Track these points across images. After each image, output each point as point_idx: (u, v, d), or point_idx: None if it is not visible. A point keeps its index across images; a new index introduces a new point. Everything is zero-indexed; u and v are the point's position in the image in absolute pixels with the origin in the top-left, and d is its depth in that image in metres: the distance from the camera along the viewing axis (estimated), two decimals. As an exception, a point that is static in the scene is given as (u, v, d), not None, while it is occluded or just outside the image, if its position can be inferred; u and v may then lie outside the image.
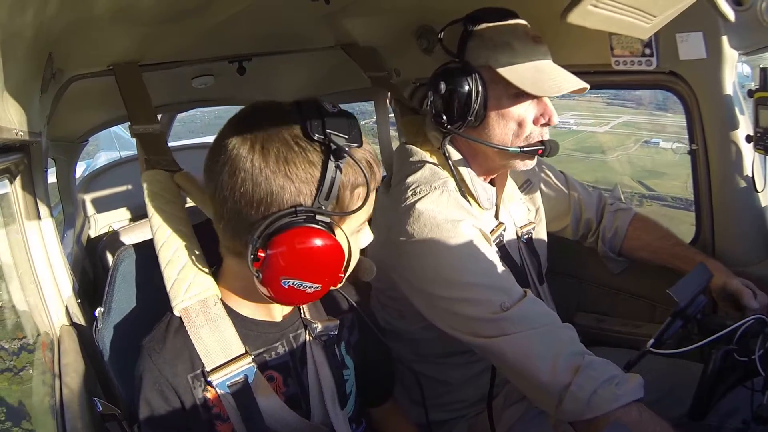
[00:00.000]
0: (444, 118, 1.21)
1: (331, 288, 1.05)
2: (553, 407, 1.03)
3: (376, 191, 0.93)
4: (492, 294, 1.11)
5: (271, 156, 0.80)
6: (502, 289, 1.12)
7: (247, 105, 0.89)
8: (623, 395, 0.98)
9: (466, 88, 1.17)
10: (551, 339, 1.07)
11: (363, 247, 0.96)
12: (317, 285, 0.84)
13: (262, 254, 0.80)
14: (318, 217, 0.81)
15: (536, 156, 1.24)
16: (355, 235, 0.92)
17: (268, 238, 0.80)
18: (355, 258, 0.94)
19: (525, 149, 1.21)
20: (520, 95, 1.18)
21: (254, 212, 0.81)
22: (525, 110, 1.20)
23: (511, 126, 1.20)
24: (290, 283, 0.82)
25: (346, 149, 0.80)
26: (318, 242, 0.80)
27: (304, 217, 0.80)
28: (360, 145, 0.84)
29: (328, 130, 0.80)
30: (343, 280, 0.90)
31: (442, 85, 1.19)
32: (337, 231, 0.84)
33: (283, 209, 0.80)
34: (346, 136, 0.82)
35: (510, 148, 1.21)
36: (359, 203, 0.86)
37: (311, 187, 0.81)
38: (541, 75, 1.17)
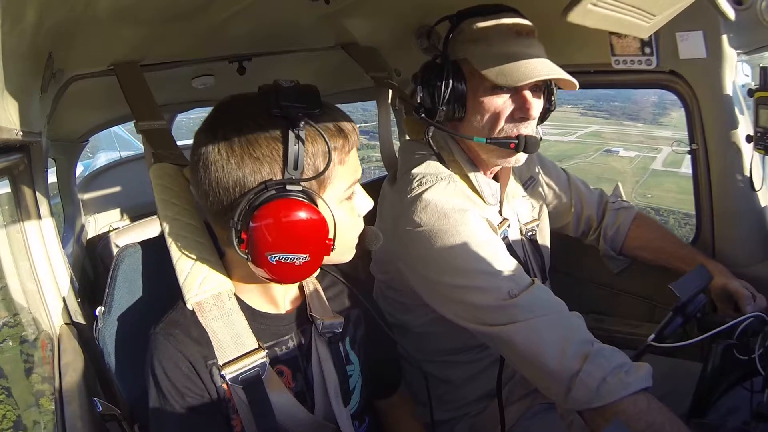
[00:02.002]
0: (424, 110, 1.22)
1: (339, 281, 1.06)
2: (561, 395, 1.02)
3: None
4: (500, 281, 1.10)
5: (234, 140, 0.81)
6: (510, 277, 1.11)
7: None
8: (632, 383, 0.97)
9: (444, 81, 1.18)
10: (560, 326, 1.06)
11: (363, 213, 0.95)
12: (304, 255, 0.83)
13: (245, 236, 0.81)
14: (289, 187, 0.81)
15: (521, 151, 1.20)
16: (346, 202, 0.91)
17: (245, 219, 0.81)
18: (353, 228, 0.94)
19: (492, 141, 1.19)
20: (496, 88, 1.16)
21: (232, 197, 0.82)
22: (501, 104, 1.18)
23: (486, 119, 1.19)
24: (277, 258, 0.81)
25: (301, 115, 0.81)
26: (292, 212, 0.80)
27: (274, 191, 0.80)
28: (320, 110, 0.84)
29: (282, 102, 0.81)
30: (343, 255, 0.90)
31: (425, 79, 1.20)
32: (319, 200, 0.84)
33: (255, 188, 0.81)
34: (304, 105, 0.82)
35: (476, 138, 1.20)
36: (334, 167, 0.86)
37: (278, 161, 0.81)
38: (513, 65, 1.13)
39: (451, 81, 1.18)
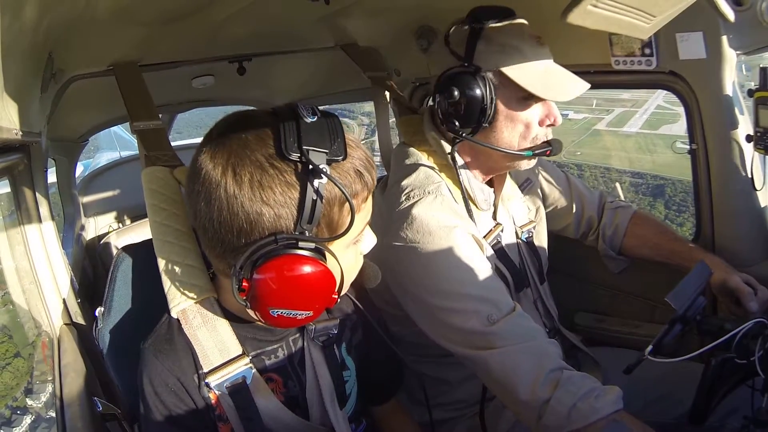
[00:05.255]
0: (456, 123, 1.18)
1: None
2: (533, 421, 1.04)
3: (373, 193, 0.90)
4: (480, 305, 1.11)
5: (245, 182, 0.74)
6: (491, 301, 1.12)
7: (222, 118, 0.84)
8: (602, 408, 0.99)
9: (479, 92, 1.15)
10: (535, 355, 1.08)
11: (366, 252, 0.93)
12: (308, 312, 0.80)
13: (246, 284, 0.77)
14: (301, 243, 0.76)
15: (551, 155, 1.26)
16: (353, 246, 0.88)
17: (249, 268, 0.76)
18: (356, 268, 0.92)
19: (536, 151, 1.22)
20: (528, 98, 1.18)
21: (236, 240, 0.77)
22: (532, 113, 1.20)
23: (518, 128, 1.20)
24: (279, 312, 0.78)
25: (325, 169, 0.74)
26: (302, 270, 0.76)
27: (285, 245, 0.76)
28: (344, 157, 0.77)
29: (305, 147, 0.74)
30: (339, 299, 0.85)
31: (454, 90, 1.16)
32: (329, 253, 0.79)
33: (263, 236, 0.76)
34: (327, 151, 0.75)
35: (521, 152, 1.21)
36: (350, 218, 0.79)
37: (292, 210, 0.75)
38: (551, 78, 1.17)
39: (488, 92, 1.15)
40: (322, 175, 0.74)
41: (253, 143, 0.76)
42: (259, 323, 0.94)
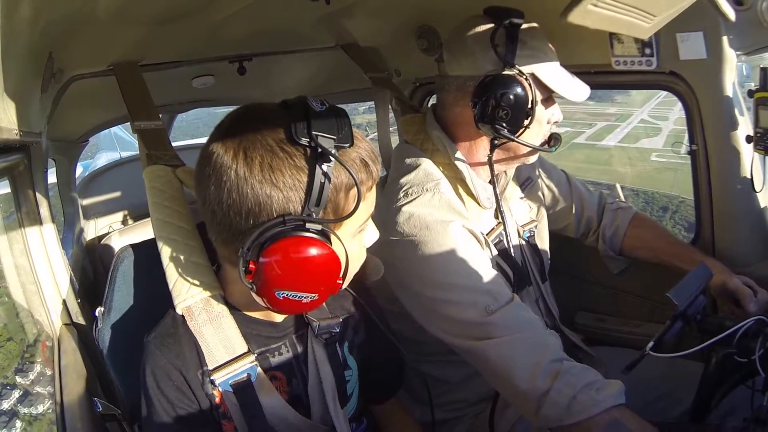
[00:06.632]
0: (504, 124, 1.17)
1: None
2: (532, 413, 1.04)
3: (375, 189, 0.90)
4: (478, 296, 1.12)
5: (255, 164, 0.77)
6: (489, 292, 1.13)
7: (231, 111, 0.86)
8: (603, 400, 0.98)
9: (526, 95, 1.16)
10: (534, 345, 1.08)
11: (369, 245, 0.94)
12: (313, 295, 0.81)
13: (253, 266, 0.78)
14: (308, 225, 0.78)
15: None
16: (358, 235, 0.89)
17: (257, 250, 0.78)
18: (359, 259, 0.93)
19: (551, 145, 1.27)
20: (548, 99, 1.22)
21: (244, 222, 0.79)
22: (549, 112, 1.24)
23: (541, 127, 1.23)
24: (285, 295, 0.80)
25: (333, 152, 0.77)
26: (309, 252, 0.77)
27: (293, 226, 0.78)
28: (351, 144, 0.80)
29: (314, 132, 0.76)
30: (344, 285, 0.87)
31: (504, 92, 1.14)
32: (334, 238, 0.81)
33: (271, 218, 0.77)
34: (335, 137, 0.78)
35: (543, 148, 1.26)
36: (356, 201, 0.82)
37: (300, 194, 0.78)
38: (569, 80, 1.21)
39: (528, 94, 1.16)
40: (331, 158, 0.77)
41: (264, 129, 0.79)
42: (263, 318, 0.95)
